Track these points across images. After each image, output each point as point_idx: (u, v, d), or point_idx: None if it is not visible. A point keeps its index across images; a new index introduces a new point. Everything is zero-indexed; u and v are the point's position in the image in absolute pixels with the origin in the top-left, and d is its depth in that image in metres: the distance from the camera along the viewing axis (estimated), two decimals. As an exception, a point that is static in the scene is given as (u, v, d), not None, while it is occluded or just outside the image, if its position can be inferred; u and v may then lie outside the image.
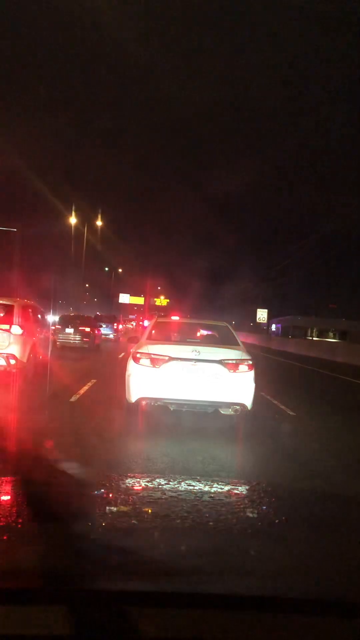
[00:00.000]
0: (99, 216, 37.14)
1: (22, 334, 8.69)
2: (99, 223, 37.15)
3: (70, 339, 17.23)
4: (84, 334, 17.41)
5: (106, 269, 65.69)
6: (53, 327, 17.05)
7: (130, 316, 65.29)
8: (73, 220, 34.32)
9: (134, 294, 65.81)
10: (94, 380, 9.36)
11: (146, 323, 32.83)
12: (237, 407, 5.77)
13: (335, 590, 0.96)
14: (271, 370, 16.54)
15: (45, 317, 11.31)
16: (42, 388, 8.46)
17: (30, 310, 9.78)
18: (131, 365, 5.87)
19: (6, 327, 8.50)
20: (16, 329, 8.60)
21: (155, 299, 61.67)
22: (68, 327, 17.46)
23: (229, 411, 5.82)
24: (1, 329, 8.44)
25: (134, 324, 49.82)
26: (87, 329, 17.74)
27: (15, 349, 8.46)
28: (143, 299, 64.56)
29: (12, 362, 8.40)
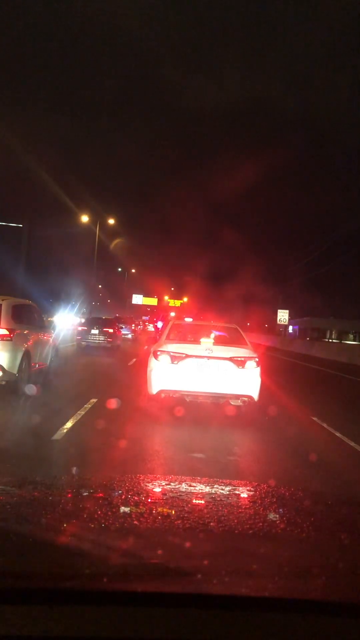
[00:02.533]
0: (111, 215, 35.42)
1: (11, 339, 7.11)
2: (111, 221, 35.45)
3: (96, 340, 18.39)
4: (108, 335, 18.62)
5: (119, 269, 64.37)
6: (80, 329, 18.95)
7: (144, 317, 64.01)
8: (84, 219, 32.71)
9: (146, 294, 64.49)
10: (94, 400, 7.19)
11: (159, 324, 32.10)
12: (245, 398, 6.37)
13: (336, 591, 0.95)
14: (312, 383, 13.47)
15: (43, 317, 9.39)
16: (27, 411, 6.49)
17: (24, 310, 8.18)
18: (152, 361, 6.49)
19: None
20: (3, 334, 7.01)
21: (168, 300, 60.58)
22: (94, 329, 18.63)
23: (238, 402, 6.40)
24: None
25: (141, 326, 48.42)
26: (111, 330, 18.93)
27: (2, 358, 6.89)
28: (156, 299, 63.39)
29: None
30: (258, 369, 6.45)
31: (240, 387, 6.31)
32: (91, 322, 19.54)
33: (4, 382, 6.97)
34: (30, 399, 7.07)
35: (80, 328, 19.15)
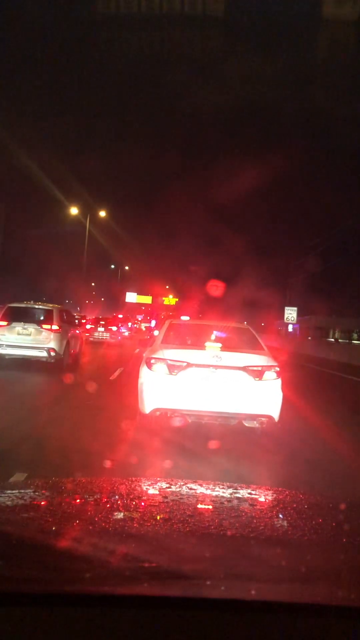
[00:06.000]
0: (103, 209, 38.17)
1: (59, 333, 11.64)
2: (102, 213, 38.19)
3: (102, 336, 24.25)
4: (112, 332, 24.95)
5: (112, 266, 67.52)
6: (88, 327, 23.97)
7: (138, 316, 66.72)
8: (79, 216, 35.59)
9: (141, 292, 67.29)
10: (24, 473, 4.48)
11: (153, 323, 33.39)
12: (263, 419, 5.65)
13: (338, 595, 1.01)
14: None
15: (75, 318, 14.50)
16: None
17: (65, 313, 12.87)
18: (145, 372, 5.84)
19: (48, 327, 11.49)
20: (55, 329, 11.60)
21: (163, 298, 62.89)
22: (100, 327, 24.84)
23: (254, 423, 5.71)
24: (44, 329, 11.44)
25: (136, 325, 52.13)
26: (114, 328, 25.30)
27: (54, 344, 11.43)
28: (150, 298, 66.07)
29: (52, 354, 11.38)
30: (279, 381, 5.75)
31: (257, 404, 5.60)
32: (97, 321, 25.87)
33: (53, 360, 11.38)
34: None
35: (88, 326, 24.42)
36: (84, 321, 24.10)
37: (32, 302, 12.93)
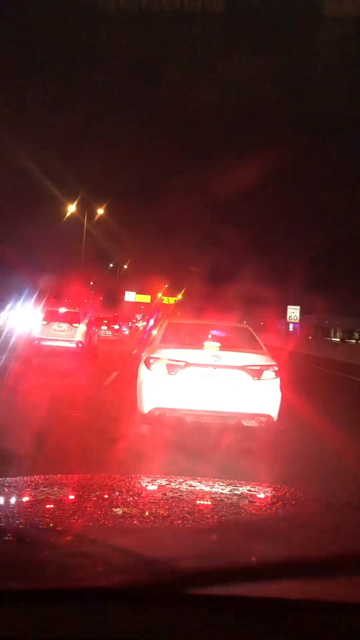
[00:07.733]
0: (101, 206, 38.53)
1: (85, 330, 15.89)
2: (100, 211, 38.43)
3: (105, 334, 27.43)
4: (114, 330, 29.59)
5: (111, 265, 67.78)
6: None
7: (137, 315, 67.03)
8: (73, 211, 35.71)
9: (140, 292, 67.47)
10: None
11: (151, 322, 33.70)
12: (262, 418, 5.87)
13: (337, 590, 1.04)
14: None
15: (93, 319, 18.75)
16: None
17: (88, 315, 17.16)
18: (143, 371, 6.07)
19: (77, 325, 15.81)
20: (82, 327, 15.93)
21: (162, 297, 63.09)
22: (103, 325, 28.15)
23: (253, 423, 5.91)
24: (74, 326, 15.72)
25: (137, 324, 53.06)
26: (116, 327, 30.09)
27: (81, 338, 15.68)
28: (149, 297, 66.27)
29: (80, 345, 15.62)
30: (277, 381, 5.98)
31: (256, 403, 5.83)
32: (100, 320, 28.30)
33: (79, 350, 15.40)
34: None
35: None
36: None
37: (65, 307, 17.16)
